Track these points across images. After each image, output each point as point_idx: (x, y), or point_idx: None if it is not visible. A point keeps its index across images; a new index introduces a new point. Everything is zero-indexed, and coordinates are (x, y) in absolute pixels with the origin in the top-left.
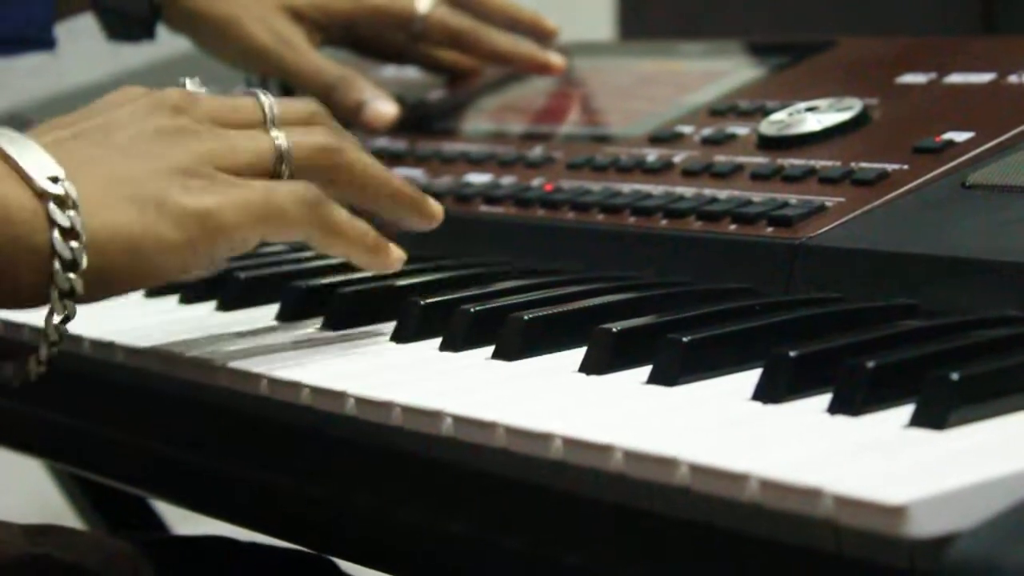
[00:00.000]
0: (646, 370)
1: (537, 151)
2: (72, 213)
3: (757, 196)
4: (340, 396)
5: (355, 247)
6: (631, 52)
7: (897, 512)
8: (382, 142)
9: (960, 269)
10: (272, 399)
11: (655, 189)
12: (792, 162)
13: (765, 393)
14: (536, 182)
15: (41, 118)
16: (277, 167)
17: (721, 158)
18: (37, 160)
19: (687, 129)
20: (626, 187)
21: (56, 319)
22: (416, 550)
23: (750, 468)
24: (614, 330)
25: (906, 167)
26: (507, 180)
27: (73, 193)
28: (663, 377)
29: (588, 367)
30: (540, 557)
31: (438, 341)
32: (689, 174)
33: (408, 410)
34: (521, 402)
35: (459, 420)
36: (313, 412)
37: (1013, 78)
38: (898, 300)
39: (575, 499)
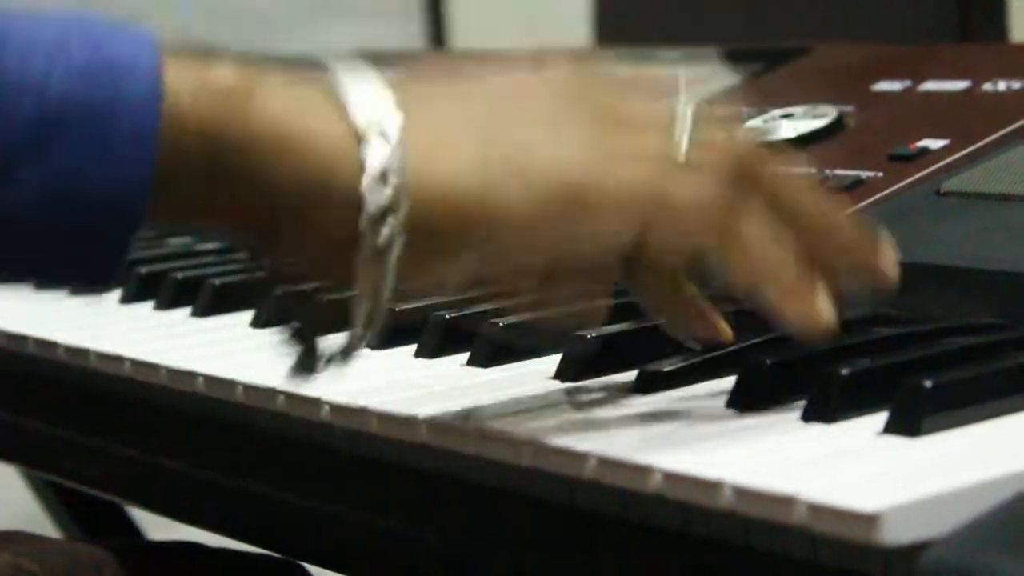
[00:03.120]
0: (622, 377)
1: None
2: (393, 153)
3: None
4: (315, 403)
5: (768, 282)
6: (608, 58)
7: (870, 519)
8: None
9: (934, 276)
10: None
11: None
12: None
13: (740, 401)
14: None
15: None
16: (675, 164)
17: None
18: (369, 93)
19: None
20: None
21: (366, 279)
22: (386, 556)
23: (724, 475)
24: (588, 336)
25: (881, 174)
26: None
27: (395, 132)
28: (645, 385)
29: (563, 375)
30: (509, 564)
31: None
32: None
33: (383, 417)
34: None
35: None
36: (285, 418)
37: (988, 86)
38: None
39: (542, 503)
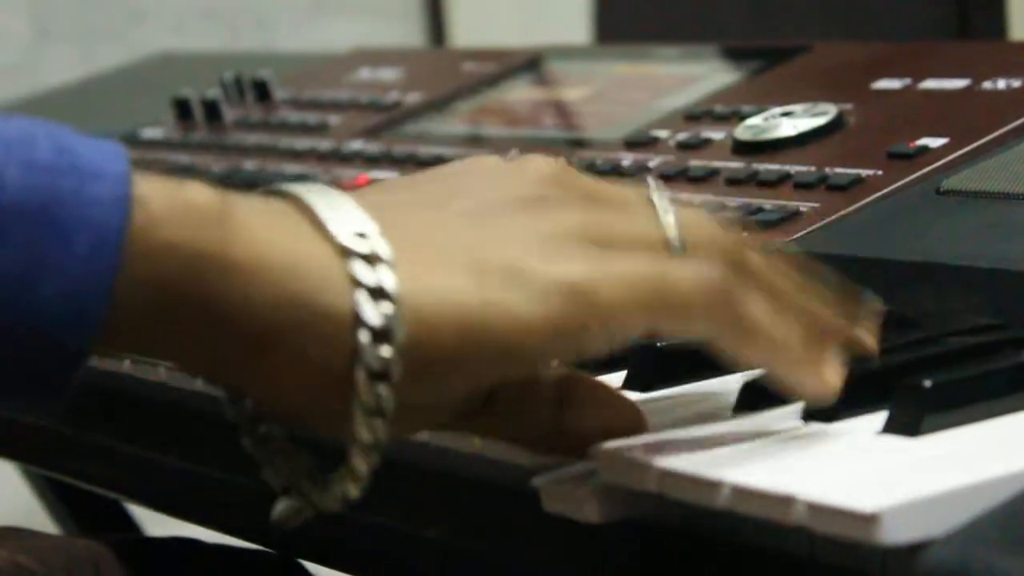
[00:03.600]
0: (619, 376)
1: (513, 154)
2: (384, 270)
3: (732, 201)
4: None
5: (778, 358)
6: (607, 56)
7: (870, 519)
8: (356, 145)
9: (934, 275)
10: None
11: None
12: (767, 167)
13: (740, 400)
14: None
15: None
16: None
17: (696, 163)
18: (345, 213)
19: (663, 133)
20: None
21: (363, 409)
22: (385, 553)
23: (724, 475)
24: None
25: (880, 172)
26: None
27: (385, 251)
28: (637, 384)
29: None
30: (508, 562)
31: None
32: (664, 178)
33: None
34: None
35: None
36: None
37: (987, 84)
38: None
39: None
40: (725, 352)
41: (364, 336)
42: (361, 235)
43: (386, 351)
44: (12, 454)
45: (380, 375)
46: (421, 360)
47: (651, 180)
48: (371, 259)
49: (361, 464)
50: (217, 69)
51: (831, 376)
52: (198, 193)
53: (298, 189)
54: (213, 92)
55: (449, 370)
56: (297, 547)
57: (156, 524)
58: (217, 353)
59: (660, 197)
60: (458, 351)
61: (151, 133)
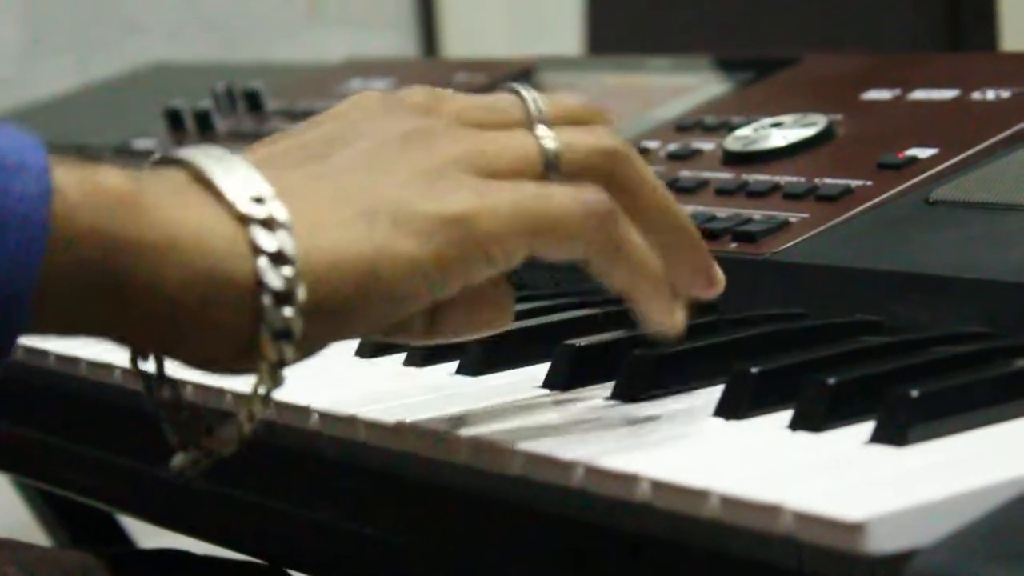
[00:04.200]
0: (608, 386)
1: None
2: (282, 235)
3: (722, 212)
4: (304, 411)
5: (645, 282)
6: (598, 67)
7: (857, 529)
8: None
9: (923, 285)
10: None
11: None
12: (757, 178)
13: (727, 409)
14: None
15: None
16: (545, 175)
17: (686, 173)
18: (240, 179)
19: (653, 144)
20: None
21: (265, 370)
22: (374, 563)
23: (711, 484)
24: (577, 345)
25: (870, 183)
26: None
27: (282, 214)
28: (625, 393)
29: (552, 383)
30: (495, 571)
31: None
32: None
33: (372, 425)
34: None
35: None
36: (273, 426)
37: (976, 95)
38: (861, 316)
39: (529, 511)
40: (594, 272)
41: (267, 299)
42: (258, 199)
43: (288, 311)
44: (4, 466)
45: (284, 334)
46: (322, 314)
47: (520, 87)
48: (269, 223)
49: (258, 406)
50: (210, 79)
51: (679, 314)
52: (111, 177)
53: (194, 155)
54: (205, 103)
55: (350, 318)
56: (288, 558)
57: (148, 537)
58: (133, 326)
59: (533, 103)
60: (357, 300)
61: (144, 144)
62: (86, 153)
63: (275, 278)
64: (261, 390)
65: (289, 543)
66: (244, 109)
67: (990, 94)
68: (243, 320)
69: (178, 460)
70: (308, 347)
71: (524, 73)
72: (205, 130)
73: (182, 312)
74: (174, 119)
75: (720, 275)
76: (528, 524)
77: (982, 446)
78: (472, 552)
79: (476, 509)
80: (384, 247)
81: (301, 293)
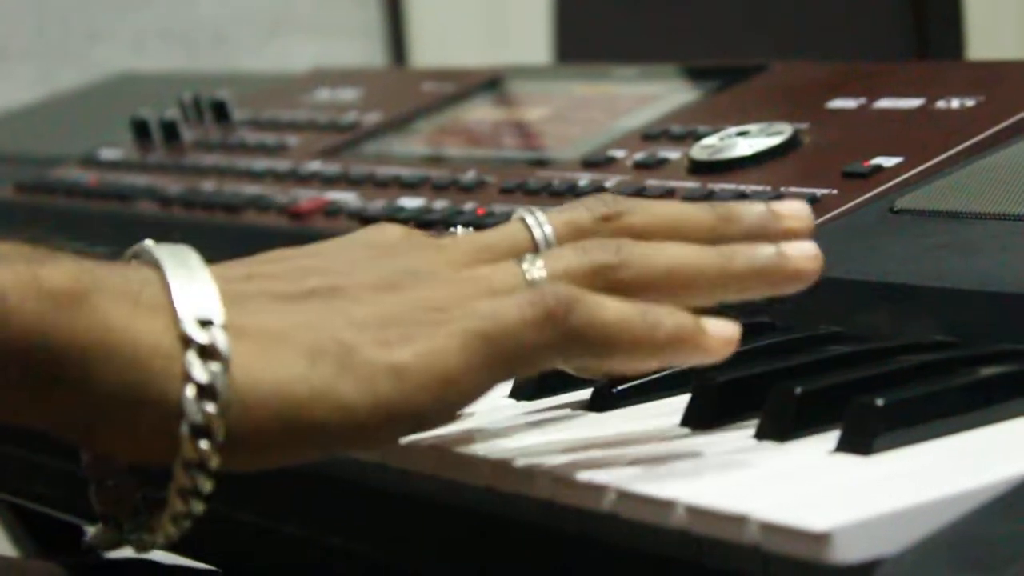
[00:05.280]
0: (576, 395)
1: (470, 175)
2: (215, 368)
3: None
4: None
5: (645, 351)
6: (566, 76)
7: (822, 538)
8: (314, 165)
9: (887, 294)
10: None
11: None
12: (723, 187)
13: (692, 419)
14: (468, 206)
15: None
16: None
17: (653, 182)
18: (196, 294)
19: (620, 153)
20: None
21: (179, 488)
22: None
23: (677, 494)
24: None
25: (835, 192)
26: (440, 204)
27: (223, 344)
28: (596, 404)
29: (519, 394)
30: None
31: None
32: None
33: None
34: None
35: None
36: None
37: (941, 103)
38: (826, 325)
39: (499, 521)
40: (595, 372)
41: (185, 428)
42: (205, 323)
43: (204, 444)
44: None
45: (197, 464)
46: (242, 448)
47: (527, 214)
48: (208, 352)
49: (171, 528)
50: (176, 89)
51: (715, 336)
52: (56, 277)
53: (162, 258)
54: (172, 113)
55: (271, 453)
56: (254, 569)
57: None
58: (60, 423)
59: (539, 227)
60: (281, 438)
61: (110, 154)
62: (54, 163)
63: (195, 411)
64: (174, 508)
65: (257, 555)
66: (211, 119)
67: (955, 103)
68: (160, 442)
69: (94, 534)
70: (226, 470)
71: (492, 82)
72: (172, 140)
73: (106, 419)
74: (141, 129)
75: (794, 261)
76: (501, 534)
77: (948, 455)
78: (434, 560)
79: (446, 520)
80: (322, 390)
81: (219, 431)
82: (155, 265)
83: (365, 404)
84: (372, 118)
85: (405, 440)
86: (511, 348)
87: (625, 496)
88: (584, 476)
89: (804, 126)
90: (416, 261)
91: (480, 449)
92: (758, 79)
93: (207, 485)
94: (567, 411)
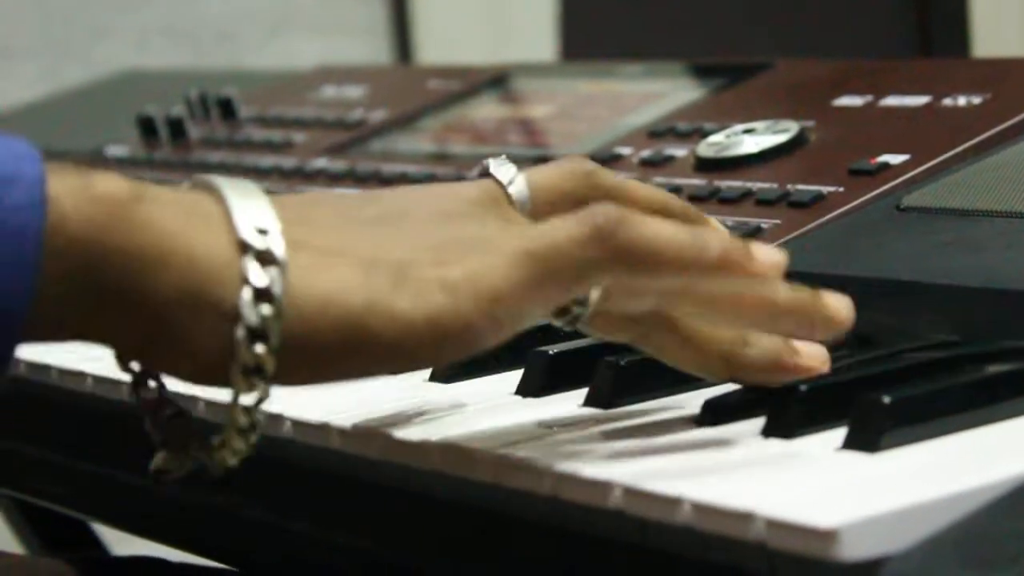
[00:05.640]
0: (581, 393)
1: (476, 172)
2: (273, 272)
3: None
4: (278, 419)
5: (694, 272)
6: (571, 74)
7: (828, 535)
8: (321, 162)
9: (895, 291)
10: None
11: None
12: (729, 184)
13: (700, 417)
14: None
15: None
16: None
17: (659, 180)
18: (252, 207)
19: (626, 150)
20: None
21: (242, 400)
22: (349, 572)
23: (683, 491)
24: (550, 352)
25: (842, 189)
26: None
27: (279, 249)
28: (599, 400)
29: (524, 390)
30: None
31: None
32: None
33: (345, 433)
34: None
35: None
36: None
37: (948, 101)
38: None
39: (504, 518)
40: (636, 303)
41: (241, 332)
42: (262, 231)
43: (260, 348)
44: None
45: (254, 369)
46: (298, 356)
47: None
48: (265, 257)
49: (238, 442)
50: (182, 87)
51: (766, 256)
52: (108, 185)
53: (218, 182)
54: (178, 110)
55: (327, 364)
56: (262, 567)
57: (122, 544)
58: (118, 334)
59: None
60: (337, 348)
61: (116, 151)
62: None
63: (252, 314)
64: (240, 402)
65: (258, 551)
66: (217, 116)
67: (961, 100)
68: (216, 346)
69: (158, 460)
70: (283, 382)
71: (497, 80)
72: (178, 137)
73: (163, 325)
74: (147, 126)
75: (832, 309)
76: (504, 531)
77: (954, 452)
78: (444, 559)
79: (450, 516)
80: (377, 302)
81: (275, 335)
82: (211, 189)
83: (418, 317)
84: (378, 115)
85: (411, 439)
86: (559, 265)
87: (631, 492)
88: (589, 472)
89: (810, 124)
90: (468, 206)
91: (485, 445)
92: (764, 77)
93: (266, 393)
94: (573, 407)
